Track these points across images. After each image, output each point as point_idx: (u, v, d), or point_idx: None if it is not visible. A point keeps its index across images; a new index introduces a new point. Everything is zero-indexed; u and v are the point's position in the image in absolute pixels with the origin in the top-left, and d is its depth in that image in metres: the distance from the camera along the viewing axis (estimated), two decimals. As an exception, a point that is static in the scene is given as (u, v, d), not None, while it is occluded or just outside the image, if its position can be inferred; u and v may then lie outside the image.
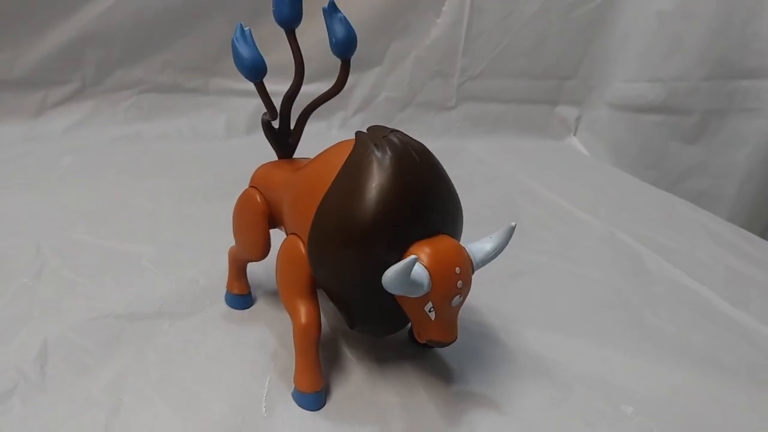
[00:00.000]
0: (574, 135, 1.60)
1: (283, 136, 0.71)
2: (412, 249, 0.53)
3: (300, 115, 0.71)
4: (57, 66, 1.22)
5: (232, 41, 0.63)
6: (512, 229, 0.58)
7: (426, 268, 0.52)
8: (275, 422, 0.57)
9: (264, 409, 0.58)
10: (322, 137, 1.42)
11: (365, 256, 0.53)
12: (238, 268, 0.73)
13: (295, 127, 0.71)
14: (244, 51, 0.63)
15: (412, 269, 0.49)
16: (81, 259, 0.79)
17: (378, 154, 0.54)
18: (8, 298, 0.70)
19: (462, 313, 0.75)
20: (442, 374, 0.66)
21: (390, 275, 0.49)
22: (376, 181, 0.53)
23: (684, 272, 0.92)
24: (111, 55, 1.24)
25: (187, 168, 1.11)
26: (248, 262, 0.72)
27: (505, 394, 0.64)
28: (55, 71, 1.22)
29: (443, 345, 0.56)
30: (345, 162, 0.56)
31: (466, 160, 1.36)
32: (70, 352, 0.63)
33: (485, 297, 0.80)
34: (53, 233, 0.84)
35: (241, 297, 0.73)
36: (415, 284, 0.51)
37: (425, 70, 1.46)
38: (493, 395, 0.63)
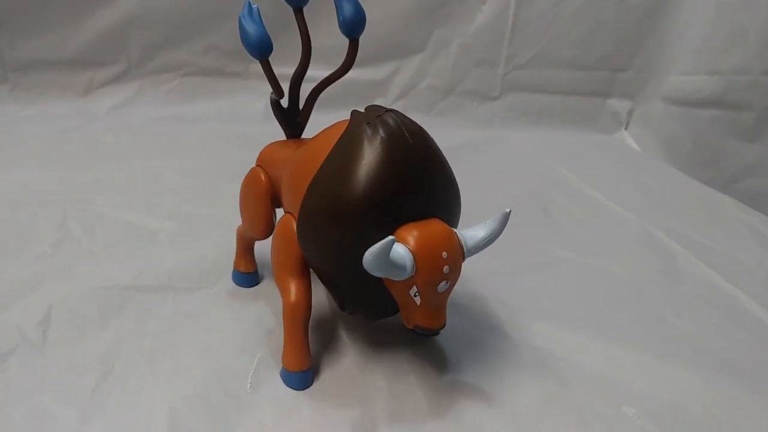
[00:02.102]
0: (626, 129, 1.53)
1: (292, 116, 0.71)
2: (400, 231, 0.52)
3: (308, 95, 0.71)
4: (104, 47, 1.26)
5: (239, 18, 0.63)
6: (507, 216, 0.55)
7: (411, 251, 0.50)
8: (257, 397, 0.57)
9: (249, 384, 0.59)
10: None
11: (352, 235, 0.52)
12: (244, 247, 0.74)
13: (303, 107, 0.71)
14: (251, 28, 0.63)
15: (389, 250, 0.48)
16: (101, 231, 0.82)
17: (369, 132, 0.53)
18: (24, 263, 0.74)
19: (468, 303, 0.75)
20: (437, 362, 0.64)
21: (367, 256, 0.48)
22: (365, 159, 0.52)
23: (719, 273, 0.87)
24: (156, 38, 1.27)
25: (221, 149, 1.13)
26: (253, 240, 0.73)
27: (500, 386, 0.62)
28: (102, 53, 1.27)
29: (430, 332, 0.54)
30: (337, 140, 0.55)
31: (506, 151, 1.33)
32: (72, 318, 0.65)
33: (497, 288, 0.78)
34: (80, 205, 0.88)
35: (246, 275, 0.74)
36: (397, 267, 0.49)
37: (469, 59, 1.43)
38: (486, 387, 0.61)
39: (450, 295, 0.64)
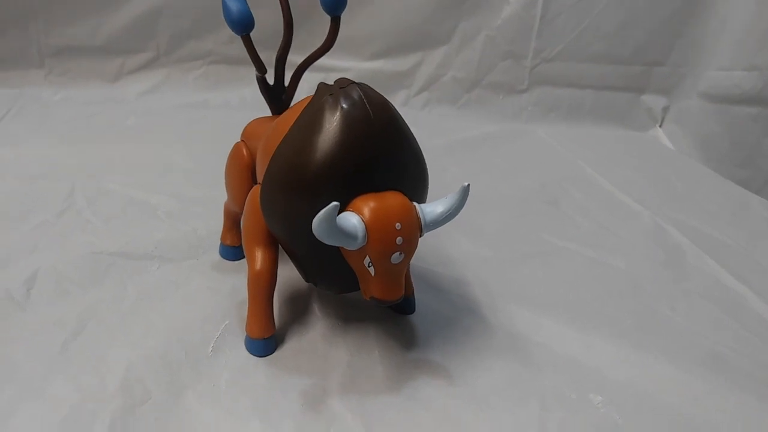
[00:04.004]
0: (660, 126, 1.48)
1: (277, 93, 0.72)
2: (355, 201, 0.52)
3: (293, 72, 0.71)
4: (134, 35, 1.31)
5: (222, -5, 0.65)
6: (466, 190, 0.54)
7: (364, 220, 0.50)
8: (216, 361, 0.58)
9: (211, 348, 0.60)
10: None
11: (308, 205, 0.52)
12: (230, 220, 0.75)
13: (289, 84, 0.72)
14: (232, 5, 0.64)
15: (334, 216, 0.48)
16: (103, 205, 0.85)
17: (330, 103, 0.53)
18: (25, 230, 0.77)
19: (450, 286, 0.74)
20: (405, 340, 0.64)
21: (314, 222, 0.48)
22: (323, 130, 0.52)
23: (727, 270, 0.83)
24: (184, 28, 1.31)
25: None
26: (239, 214, 0.74)
27: (465, 366, 0.61)
28: (132, 40, 1.31)
29: (385, 303, 0.54)
30: (301, 112, 0.56)
31: (527, 145, 1.30)
32: (58, 280, 0.68)
33: (484, 274, 0.77)
34: (89, 181, 0.91)
35: (232, 248, 0.75)
36: (348, 235, 0.49)
37: (496, 51, 1.41)
38: (450, 366, 0.61)
39: (407, 268, 0.64)
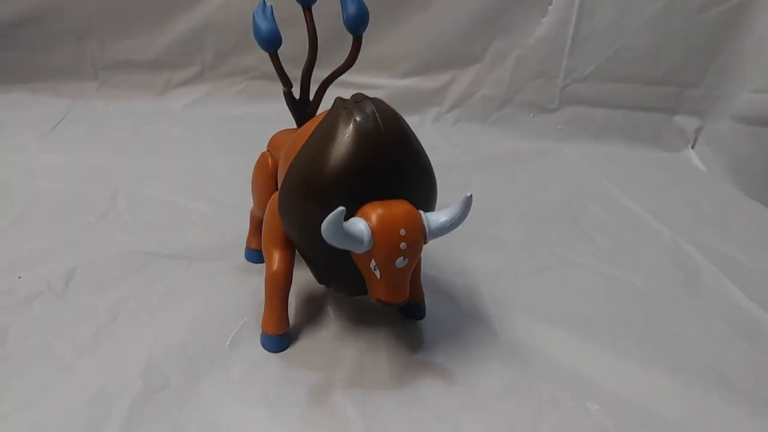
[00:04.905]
0: (692, 148, 1.47)
1: (302, 106, 0.77)
2: (364, 208, 0.55)
3: (318, 87, 0.76)
4: (181, 51, 1.39)
5: (253, 14, 0.70)
6: (469, 200, 0.57)
7: (370, 226, 0.54)
8: (232, 354, 0.63)
9: (228, 342, 0.64)
10: (415, 131, 1.46)
11: (320, 210, 0.56)
12: (255, 225, 0.80)
13: (313, 98, 0.77)
14: (262, 24, 0.70)
15: (340, 220, 0.52)
16: (143, 208, 0.91)
17: (344, 116, 0.57)
18: (69, 229, 0.84)
19: (459, 294, 0.77)
20: (412, 343, 0.67)
21: (322, 226, 0.52)
22: (336, 140, 0.56)
23: (743, 291, 0.83)
24: (227, 44, 1.39)
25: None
26: (262, 219, 0.79)
27: (465, 370, 0.63)
28: (179, 56, 1.39)
29: (390, 306, 0.57)
30: (318, 123, 0.60)
31: (554, 163, 1.32)
32: (94, 274, 0.74)
33: (496, 285, 0.79)
34: (132, 186, 0.98)
35: (256, 252, 0.80)
36: (355, 239, 0.53)
37: (527, 70, 1.43)
38: (452, 369, 0.63)
39: (419, 276, 0.67)
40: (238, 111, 1.39)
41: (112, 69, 1.40)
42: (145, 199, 0.95)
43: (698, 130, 1.47)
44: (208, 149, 1.18)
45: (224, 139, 1.25)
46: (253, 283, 0.75)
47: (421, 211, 0.57)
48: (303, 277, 0.72)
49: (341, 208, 0.51)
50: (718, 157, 1.42)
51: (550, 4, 1.38)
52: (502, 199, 1.08)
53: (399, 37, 1.39)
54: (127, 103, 1.37)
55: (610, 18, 1.38)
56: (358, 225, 0.54)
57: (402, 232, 0.54)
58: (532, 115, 1.46)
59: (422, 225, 0.56)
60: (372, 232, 0.54)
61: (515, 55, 1.43)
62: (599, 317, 0.75)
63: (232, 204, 0.94)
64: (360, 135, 0.56)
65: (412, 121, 1.45)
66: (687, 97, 1.44)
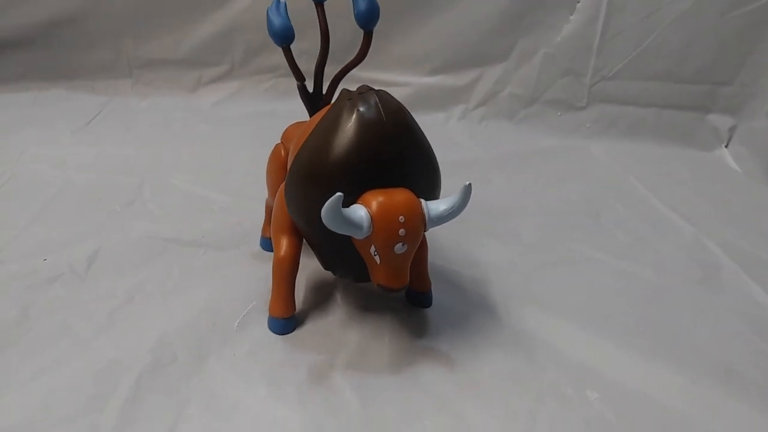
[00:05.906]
0: (726, 147, 1.44)
1: (315, 100, 0.78)
2: (365, 195, 0.57)
3: (331, 81, 0.78)
4: (212, 50, 1.43)
5: (267, 10, 0.73)
6: (468, 189, 0.58)
7: (370, 212, 0.55)
8: (240, 335, 0.65)
9: (237, 324, 0.66)
10: (440, 128, 1.47)
11: (323, 197, 0.57)
12: (270, 215, 0.82)
13: (326, 92, 0.78)
14: (275, 19, 0.72)
15: (338, 206, 0.53)
16: (167, 198, 0.95)
17: (349, 107, 0.59)
18: (95, 216, 0.88)
19: (469, 286, 0.77)
20: (416, 329, 0.68)
21: (322, 211, 0.54)
22: (339, 130, 0.58)
23: (762, 288, 0.81)
24: (256, 43, 1.42)
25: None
26: (276, 209, 0.81)
27: (468, 357, 0.64)
28: (209, 54, 1.43)
29: (390, 290, 0.58)
30: (324, 114, 0.62)
31: (580, 161, 1.30)
32: (116, 258, 0.77)
33: (507, 277, 0.79)
34: (157, 176, 1.01)
35: (270, 240, 0.82)
36: (354, 225, 0.54)
37: (555, 68, 1.42)
38: (455, 355, 0.64)
39: (418, 263, 0.68)
40: (266, 108, 1.42)
41: (146, 67, 1.45)
42: (169, 189, 0.98)
43: (732, 129, 1.43)
44: (235, 144, 1.22)
45: (251, 134, 1.28)
46: (266, 269, 0.76)
47: (422, 200, 0.58)
48: (313, 265, 0.74)
49: (339, 193, 0.53)
50: (753, 156, 1.38)
51: (578, 2, 1.37)
52: (522, 195, 1.08)
53: (426, 35, 1.40)
54: (160, 99, 1.42)
55: (639, 15, 1.36)
56: (358, 211, 0.55)
57: (401, 218, 0.55)
58: (559, 113, 1.45)
59: (422, 212, 0.57)
60: (371, 218, 0.55)
61: (542, 52, 1.42)
62: (609, 311, 0.74)
63: (252, 196, 0.96)
64: (363, 125, 0.57)
65: (438, 118, 1.47)
66: (720, 95, 1.41)
